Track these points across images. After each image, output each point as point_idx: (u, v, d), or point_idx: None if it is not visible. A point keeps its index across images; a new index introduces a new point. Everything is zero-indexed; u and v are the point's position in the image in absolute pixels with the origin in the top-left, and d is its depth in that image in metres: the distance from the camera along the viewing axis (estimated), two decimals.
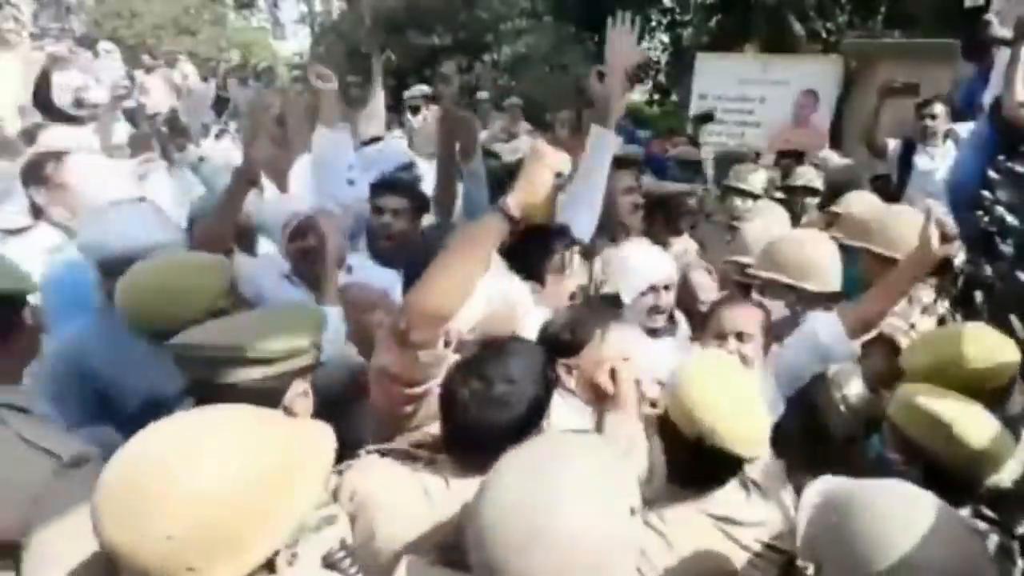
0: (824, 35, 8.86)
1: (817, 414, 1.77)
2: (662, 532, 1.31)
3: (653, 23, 12.28)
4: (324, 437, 1.03)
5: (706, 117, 4.81)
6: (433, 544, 1.21)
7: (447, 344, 1.44)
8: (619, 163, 2.68)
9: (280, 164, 3.12)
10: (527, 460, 1.00)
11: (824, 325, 1.91)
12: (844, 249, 2.39)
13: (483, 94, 7.60)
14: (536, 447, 1.06)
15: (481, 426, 1.23)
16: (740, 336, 1.93)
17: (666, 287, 2.23)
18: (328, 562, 1.09)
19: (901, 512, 1.00)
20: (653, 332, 2.24)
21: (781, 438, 1.51)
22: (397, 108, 8.11)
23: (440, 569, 1.12)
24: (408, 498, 1.27)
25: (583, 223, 2.22)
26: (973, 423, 1.38)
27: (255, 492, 0.88)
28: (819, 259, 2.25)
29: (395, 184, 2.67)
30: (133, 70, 8.49)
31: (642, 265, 2.24)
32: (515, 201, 1.44)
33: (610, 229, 2.58)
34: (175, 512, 0.83)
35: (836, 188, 3.58)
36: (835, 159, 4.35)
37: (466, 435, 1.27)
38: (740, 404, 1.30)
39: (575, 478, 0.95)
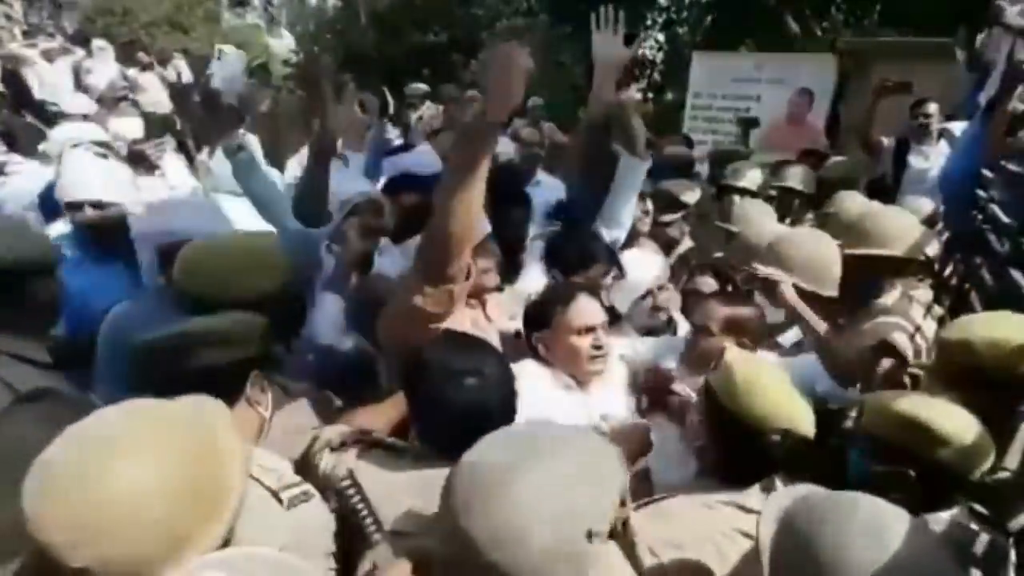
0: (820, 33, 8.88)
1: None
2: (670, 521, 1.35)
3: (648, 21, 12.28)
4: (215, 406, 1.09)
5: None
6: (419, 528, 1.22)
7: (468, 276, 1.54)
8: None
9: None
10: (504, 446, 1.00)
11: (820, 376, 1.92)
12: None
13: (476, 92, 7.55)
14: (519, 437, 1.05)
15: (447, 415, 1.28)
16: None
17: (660, 287, 2.37)
18: (336, 489, 1.18)
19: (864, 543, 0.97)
20: (652, 332, 2.33)
21: None
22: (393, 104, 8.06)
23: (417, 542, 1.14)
24: (398, 487, 1.29)
25: (611, 238, 2.44)
26: (951, 419, 1.39)
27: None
28: (830, 263, 2.21)
29: (408, 180, 2.76)
30: (127, 67, 8.46)
31: (635, 274, 2.35)
32: (495, 106, 1.45)
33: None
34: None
35: (831, 186, 3.59)
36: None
37: (434, 424, 1.33)
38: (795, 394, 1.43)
39: (538, 487, 0.92)
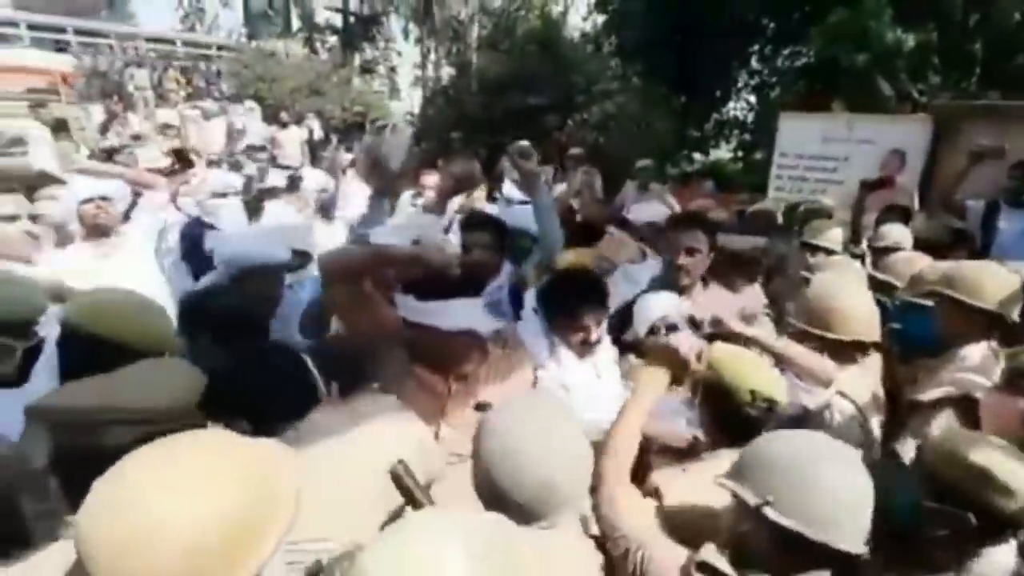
0: (916, 95, 8.44)
1: None
2: None
3: (740, 84, 12.17)
4: (288, 460, 1.04)
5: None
6: None
7: None
8: (679, 222, 2.87)
9: None
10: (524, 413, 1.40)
11: None
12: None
13: (575, 150, 7.66)
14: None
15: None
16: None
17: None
18: (394, 474, 1.20)
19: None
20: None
21: None
22: (492, 158, 8.39)
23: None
24: None
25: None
26: (1014, 470, 1.35)
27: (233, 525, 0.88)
28: (847, 308, 2.26)
29: (483, 221, 2.93)
30: (269, 126, 9.35)
31: (653, 305, 2.49)
32: None
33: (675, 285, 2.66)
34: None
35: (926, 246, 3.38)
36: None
37: None
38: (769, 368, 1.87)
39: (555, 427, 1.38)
